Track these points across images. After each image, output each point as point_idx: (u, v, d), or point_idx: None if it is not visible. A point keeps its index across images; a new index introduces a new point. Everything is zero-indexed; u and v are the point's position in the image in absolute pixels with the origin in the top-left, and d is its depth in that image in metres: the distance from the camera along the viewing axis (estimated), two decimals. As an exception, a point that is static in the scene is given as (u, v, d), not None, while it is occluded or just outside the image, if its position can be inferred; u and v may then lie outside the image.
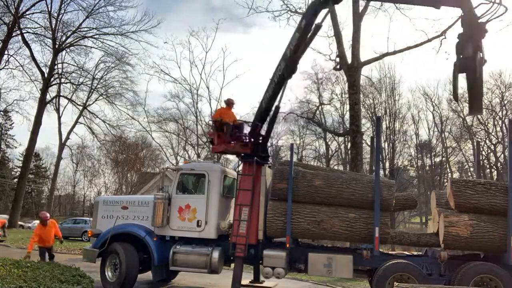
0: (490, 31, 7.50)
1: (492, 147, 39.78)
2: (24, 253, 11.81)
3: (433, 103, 43.63)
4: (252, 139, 10.57)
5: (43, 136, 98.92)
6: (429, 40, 21.04)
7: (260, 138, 10.71)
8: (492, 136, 40.37)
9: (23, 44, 37.88)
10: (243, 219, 9.83)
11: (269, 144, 11.67)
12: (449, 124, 43.00)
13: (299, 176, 9.71)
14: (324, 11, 15.93)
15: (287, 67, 9.66)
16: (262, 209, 9.92)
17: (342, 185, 9.52)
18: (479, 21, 7.47)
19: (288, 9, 23.62)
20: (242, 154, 10.51)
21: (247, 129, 10.76)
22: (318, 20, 9.53)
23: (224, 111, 11.09)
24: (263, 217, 9.82)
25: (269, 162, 10.92)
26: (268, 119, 10.75)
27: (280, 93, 10.39)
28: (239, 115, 11.21)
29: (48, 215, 12.17)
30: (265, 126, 10.97)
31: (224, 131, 10.48)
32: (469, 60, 7.26)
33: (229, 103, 11.35)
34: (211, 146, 11.14)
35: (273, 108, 10.70)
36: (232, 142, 10.47)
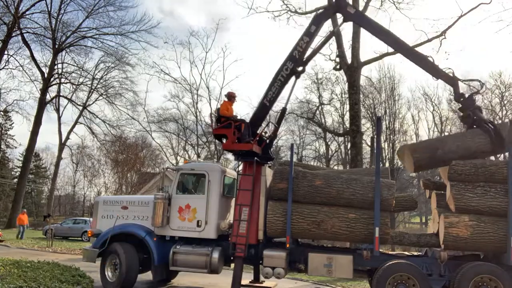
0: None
1: (492, 147, 39.68)
2: (24, 253, 11.82)
3: (433, 103, 43.58)
4: (259, 139, 10.56)
5: (43, 136, 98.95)
6: (429, 40, 21.07)
7: (268, 139, 10.73)
8: (492, 136, 40.29)
9: (23, 44, 37.95)
10: (243, 219, 9.82)
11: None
12: (449, 124, 42.98)
13: (299, 176, 9.71)
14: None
15: (298, 68, 10.51)
16: (262, 209, 9.91)
17: (342, 185, 9.51)
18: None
19: (288, 9, 23.62)
20: (240, 154, 10.48)
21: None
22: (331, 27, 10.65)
23: (228, 105, 10.92)
24: (263, 217, 9.82)
25: (270, 163, 10.92)
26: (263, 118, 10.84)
27: (289, 95, 10.94)
28: (239, 114, 11.13)
29: None
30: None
31: (230, 127, 10.29)
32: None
33: (231, 97, 11.13)
34: (222, 142, 10.87)
35: (280, 110, 11.10)
36: (251, 141, 10.25)
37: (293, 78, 10.64)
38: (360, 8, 21.28)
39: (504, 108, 39.70)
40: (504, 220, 8.82)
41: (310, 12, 23.34)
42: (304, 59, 10.68)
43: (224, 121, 10.48)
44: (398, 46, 10.49)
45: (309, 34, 10.48)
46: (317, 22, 10.64)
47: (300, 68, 10.61)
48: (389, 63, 41.72)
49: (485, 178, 9.16)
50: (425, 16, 64.17)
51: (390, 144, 39.33)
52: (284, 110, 11.19)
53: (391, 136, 40.23)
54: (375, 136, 10.15)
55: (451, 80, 10.01)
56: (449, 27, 20.71)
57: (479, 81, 10.08)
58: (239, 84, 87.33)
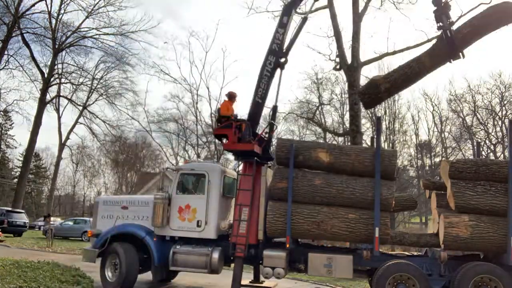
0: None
1: (492, 147, 39.73)
2: (24, 253, 11.81)
3: (433, 103, 43.58)
4: (259, 139, 10.56)
5: (43, 136, 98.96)
6: (429, 40, 21.00)
7: (268, 138, 10.74)
8: (492, 136, 40.37)
9: (23, 44, 37.84)
10: (243, 219, 9.83)
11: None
12: (448, 124, 43.04)
13: (299, 175, 9.71)
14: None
15: (281, 60, 10.61)
16: (262, 209, 9.91)
17: (342, 184, 9.51)
18: None
19: (288, 9, 23.55)
20: (240, 153, 10.48)
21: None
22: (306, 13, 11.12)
23: (229, 105, 10.95)
24: (263, 217, 9.81)
25: (270, 163, 10.93)
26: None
27: (277, 89, 10.90)
28: (239, 115, 11.12)
29: None
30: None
31: (231, 127, 10.29)
32: None
33: (231, 96, 11.22)
34: (223, 142, 10.89)
35: (272, 108, 11.00)
36: (252, 141, 10.25)
37: (278, 70, 10.75)
38: (360, 8, 21.30)
39: (504, 108, 39.72)
40: (504, 220, 8.83)
41: (310, 12, 23.29)
42: (285, 50, 10.79)
43: (225, 121, 10.51)
44: None
45: (283, 25, 10.72)
46: (287, 12, 10.89)
47: (282, 60, 10.73)
48: (389, 63, 41.47)
49: (486, 177, 9.17)
50: (425, 16, 64.08)
51: (390, 144, 39.30)
52: (275, 108, 10.99)
53: (391, 136, 40.23)
54: (375, 136, 10.15)
55: None
56: (449, 27, 20.66)
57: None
58: (240, 84, 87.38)
